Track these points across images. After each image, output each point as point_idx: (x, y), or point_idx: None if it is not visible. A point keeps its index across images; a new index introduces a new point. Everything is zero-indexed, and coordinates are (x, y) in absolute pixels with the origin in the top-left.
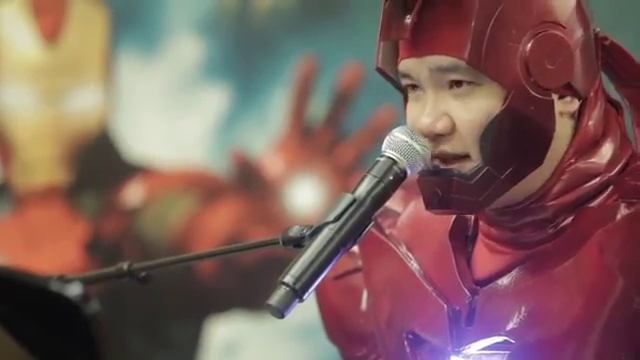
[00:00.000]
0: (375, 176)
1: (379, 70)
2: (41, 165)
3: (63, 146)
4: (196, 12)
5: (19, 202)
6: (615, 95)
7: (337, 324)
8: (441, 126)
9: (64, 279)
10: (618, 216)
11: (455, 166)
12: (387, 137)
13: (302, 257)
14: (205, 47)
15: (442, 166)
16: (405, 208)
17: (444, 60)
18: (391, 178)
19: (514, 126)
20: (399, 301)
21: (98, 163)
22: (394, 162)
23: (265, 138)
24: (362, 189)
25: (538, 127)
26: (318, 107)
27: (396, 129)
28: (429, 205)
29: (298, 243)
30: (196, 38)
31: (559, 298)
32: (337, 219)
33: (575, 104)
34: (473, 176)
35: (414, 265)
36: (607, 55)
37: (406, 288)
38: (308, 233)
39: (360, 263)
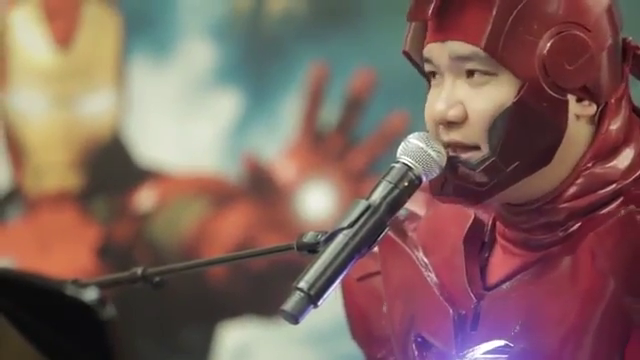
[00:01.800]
0: (390, 182)
1: (406, 54)
2: (53, 169)
3: (75, 151)
4: (209, 17)
5: (31, 206)
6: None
7: (361, 324)
8: (453, 113)
9: (78, 283)
10: (610, 220)
11: (464, 155)
12: (402, 143)
13: (317, 263)
14: (217, 52)
15: (451, 153)
16: (426, 211)
17: (464, 48)
18: (406, 184)
19: (524, 120)
20: (410, 304)
21: (110, 168)
22: (409, 168)
23: (277, 143)
24: (377, 195)
25: (548, 124)
26: (330, 113)
27: (411, 135)
28: (433, 190)
29: (312, 249)
30: (208, 43)
31: (557, 303)
32: (352, 225)
33: (593, 108)
34: (479, 165)
35: (428, 270)
36: (639, 63)
37: (417, 292)
38: (322, 239)
39: None
